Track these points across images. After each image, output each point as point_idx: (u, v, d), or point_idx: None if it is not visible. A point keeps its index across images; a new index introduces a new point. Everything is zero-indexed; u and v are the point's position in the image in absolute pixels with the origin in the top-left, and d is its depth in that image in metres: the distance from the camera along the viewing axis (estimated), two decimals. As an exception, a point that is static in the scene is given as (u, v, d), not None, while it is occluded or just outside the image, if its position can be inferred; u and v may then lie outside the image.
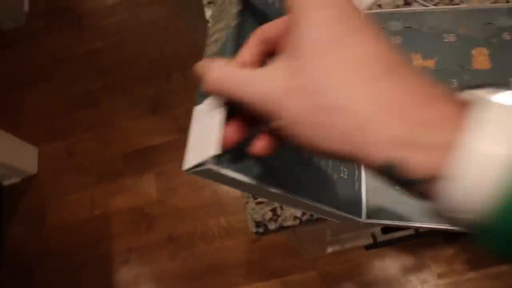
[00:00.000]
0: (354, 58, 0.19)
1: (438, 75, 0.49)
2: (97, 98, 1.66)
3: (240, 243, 1.34)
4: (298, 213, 0.51)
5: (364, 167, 0.20)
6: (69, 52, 1.80)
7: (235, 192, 1.35)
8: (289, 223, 0.51)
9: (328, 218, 0.39)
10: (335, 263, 1.25)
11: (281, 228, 0.51)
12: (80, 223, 1.48)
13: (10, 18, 1.94)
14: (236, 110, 0.24)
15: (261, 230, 0.51)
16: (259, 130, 0.24)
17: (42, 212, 1.53)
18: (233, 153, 0.24)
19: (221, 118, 0.23)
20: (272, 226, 0.51)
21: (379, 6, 0.57)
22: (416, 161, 0.18)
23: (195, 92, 0.26)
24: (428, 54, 0.50)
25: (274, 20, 0.24)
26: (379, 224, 0.49)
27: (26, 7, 2.00)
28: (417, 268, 1.19)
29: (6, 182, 1.60)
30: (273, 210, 0.51)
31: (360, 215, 0.42)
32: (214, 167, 0.23)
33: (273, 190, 0.28)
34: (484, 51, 0.49)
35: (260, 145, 0.24)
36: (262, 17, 0.29)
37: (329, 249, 1.21)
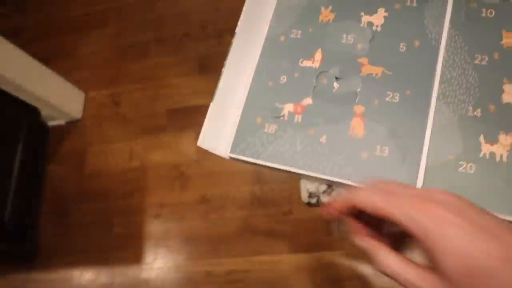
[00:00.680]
0: None
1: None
2: (148, 51, 1.66)
3: (271, 213, 1.33)
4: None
5: None
6: (124, 0, 1.79)
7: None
8: (344, 198, 0.48)
9: None
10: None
11: (334, 202, 0.49)
12: (117, 171, 1.52)
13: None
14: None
15: (313, 201, 0.49)
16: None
17: (82, 156, 1.57)
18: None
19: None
20: (324, 198, 0.49)
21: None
22: None
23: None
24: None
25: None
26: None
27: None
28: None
29: (51, 123, 1.64)
30: (330, 185, 0.49)
31: None
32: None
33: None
34: None
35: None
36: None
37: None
